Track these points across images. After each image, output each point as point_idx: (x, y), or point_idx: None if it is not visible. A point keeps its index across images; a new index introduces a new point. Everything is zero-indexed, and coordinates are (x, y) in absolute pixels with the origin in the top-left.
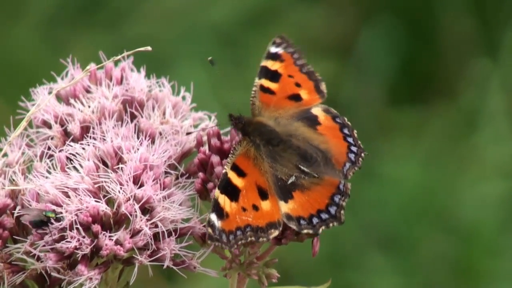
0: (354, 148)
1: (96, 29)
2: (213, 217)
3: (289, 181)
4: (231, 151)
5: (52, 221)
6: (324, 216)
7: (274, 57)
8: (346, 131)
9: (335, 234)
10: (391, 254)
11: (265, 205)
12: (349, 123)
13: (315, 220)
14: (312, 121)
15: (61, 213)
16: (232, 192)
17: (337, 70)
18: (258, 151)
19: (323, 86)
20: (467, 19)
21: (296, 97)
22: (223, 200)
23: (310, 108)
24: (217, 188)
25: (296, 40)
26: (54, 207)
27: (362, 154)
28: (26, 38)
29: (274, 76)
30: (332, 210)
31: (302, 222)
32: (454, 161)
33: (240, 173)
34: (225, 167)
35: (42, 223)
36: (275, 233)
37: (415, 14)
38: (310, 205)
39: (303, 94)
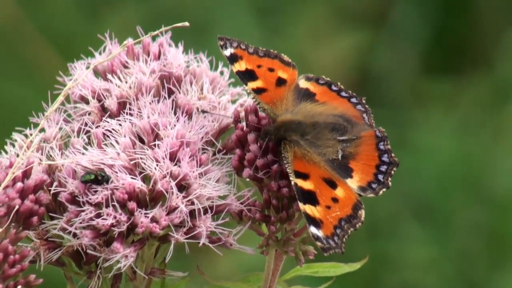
0: (354, 100)
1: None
2: (313, 229)
3: (340, 157)
4: (284, 161)
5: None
6: (383, 168)
7: (234, 58)
8: (335, 88)
9: (370, 204)
10: (426, 223)
11: (340, 192)
12: (329, 79)
13: (380, 177)
14: (309, 95)
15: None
16: (310, 197)
17: (370, 40)
18: (300, 147)
19: (286, 57)
20: None
21: (281, 81)
22: (310, 209)
23: (298, 84)
24: (299, 202)
25: (328, 9)
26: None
27: (363, 100)
28: (61, 7)
29: (251, 75)
30: (385, 158)
31: (373, 185)
32: (489, 130)
33: (304, 176)
34: (291, 178)
35: (97, 180)
36: (363, 213)
37: None
38: (368, 166)
39: (282, 74)
